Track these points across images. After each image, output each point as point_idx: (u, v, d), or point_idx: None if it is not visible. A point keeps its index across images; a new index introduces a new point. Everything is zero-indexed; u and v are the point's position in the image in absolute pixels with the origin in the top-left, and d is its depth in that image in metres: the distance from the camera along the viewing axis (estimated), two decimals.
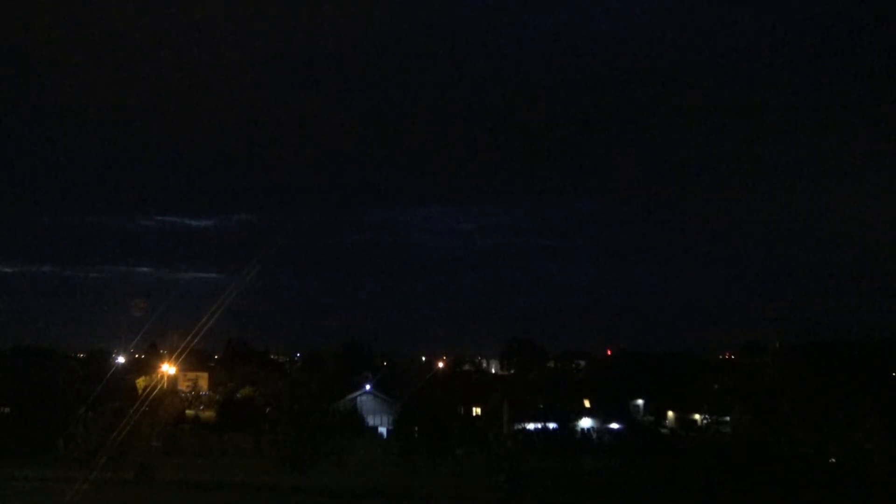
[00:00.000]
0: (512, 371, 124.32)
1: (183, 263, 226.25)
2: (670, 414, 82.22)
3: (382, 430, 70.01)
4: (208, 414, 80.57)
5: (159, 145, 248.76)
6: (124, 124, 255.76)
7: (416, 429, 66.49)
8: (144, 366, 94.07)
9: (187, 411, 79.38)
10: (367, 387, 76.79)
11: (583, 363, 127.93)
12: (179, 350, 60.20)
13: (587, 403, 74.46)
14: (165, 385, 74.72)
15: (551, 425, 71.10)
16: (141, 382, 73.59)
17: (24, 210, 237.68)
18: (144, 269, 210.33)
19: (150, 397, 52.54)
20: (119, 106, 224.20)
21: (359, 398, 71.95)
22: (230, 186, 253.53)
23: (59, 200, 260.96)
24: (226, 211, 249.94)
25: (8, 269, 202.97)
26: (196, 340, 39.53)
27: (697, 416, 78.81)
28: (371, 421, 69.65)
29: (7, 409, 60.27)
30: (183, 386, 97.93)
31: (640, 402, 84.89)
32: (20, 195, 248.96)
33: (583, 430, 71.96)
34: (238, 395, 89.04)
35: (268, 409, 60.83)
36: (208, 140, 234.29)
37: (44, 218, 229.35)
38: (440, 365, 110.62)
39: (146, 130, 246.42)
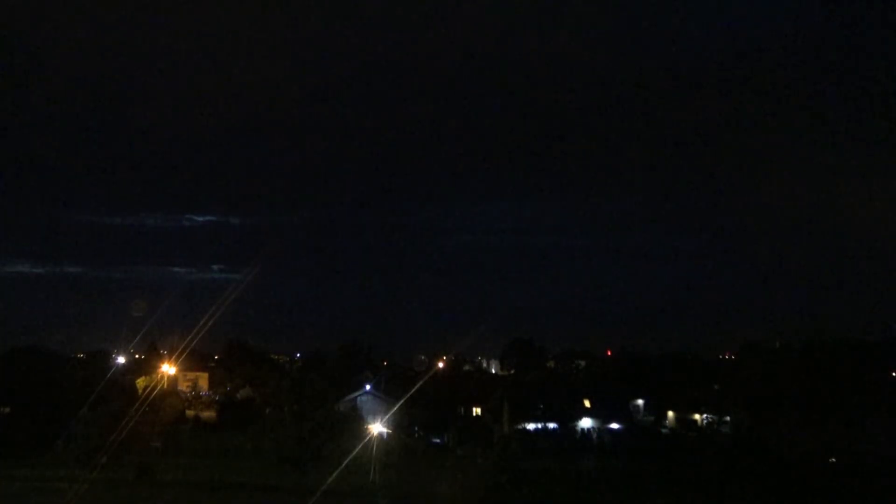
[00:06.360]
0: (512, 371, 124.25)
1: (216, 263, 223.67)
2: (670, 414, 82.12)
3: (383, 430, 69.85)
4: (208, 414, 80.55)
5: (178, 146, 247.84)
6: (147, 125, 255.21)
7: (417, 429, 66.58)
8: (145, 366, 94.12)
9: (187, 411, 79.35)
10: (368, 387, 76.66)
11: (583, 363, 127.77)
12: (180, 349, 60.27)
13: (587, 403, 74.34)
14: (166, 385, 74.74)
15: (551, 425, 71.05)
16: (141, 382, 73.61)
17: (51, 211, 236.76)
18: (177, 269, 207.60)
19: (151, 397, 52.60)
20: (141, 107, 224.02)
21: (359, 398, 71.78)
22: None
23: (89, 201, 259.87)
24: (257, 210, 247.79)
25: (39, 270, 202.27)
26: (202, 340, 39.69)
27: (697, 416, 78.73)
28: (371, 421, 69.47)
29: (7, 409, 60.26)
30: (183, 386, 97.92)
31: (640, 402, 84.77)
32: (44, 196, 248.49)
33: (583, 430, 71.91)
34: (238, 395, 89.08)
35: (268, 410, 60.84)
36: (224, 140, 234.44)
37: (71, 218, 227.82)
38: (440, 365, 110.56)
39: (163, 131, 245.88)
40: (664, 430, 76.95)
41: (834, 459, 54.75)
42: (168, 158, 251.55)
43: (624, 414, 75.87)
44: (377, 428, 52.65)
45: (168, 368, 76.07)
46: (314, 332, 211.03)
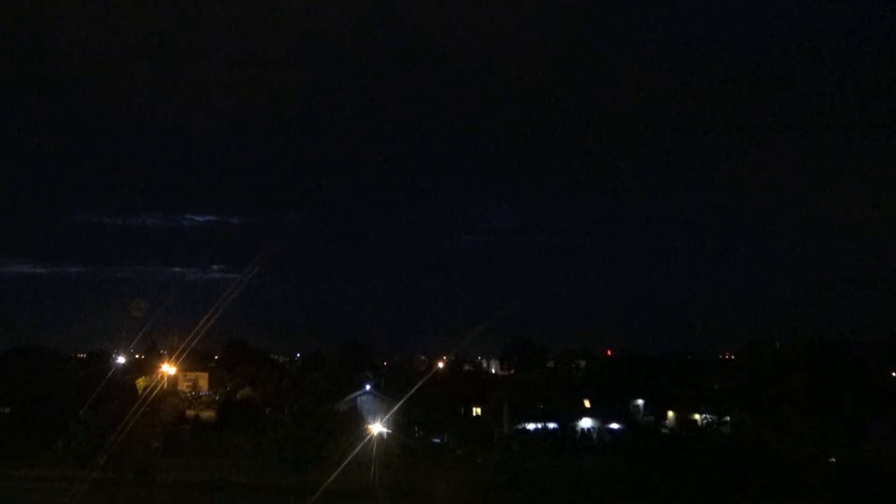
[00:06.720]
0: (512, 371, 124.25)
1: (216, 263, 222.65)
2: (670, 414, 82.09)
3: (383, 430, 69.82)
4: (208, 414, 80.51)
5: (178, 146, 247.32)
6: (147, 125, 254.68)
7: (417, 429, 66.58)
8: (145, 366, 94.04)
9: (187, 411, 79.32)
10: (368, 387, 76.65)
11: (583, 363, 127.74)
12: (180, 349, 60.27)
13: (587, 403, 74.37)
14: (166, 385, 74.73)
15: (551, 425, 71.05)
16: (141, 383, 73.56)
17: (51, 211, 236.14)
18: (176, 269, 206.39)
19: (151, 397, 52.59)
20: (142, 106, 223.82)
21: (359, 398, 71.80)
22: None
23: (89, 201, 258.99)
24: (262, 210, 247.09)
25: (40, 270, 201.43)
26: (202, 340, 39.69)
27: (697, 416, 78.74)
28: (371, 421, 69.48)
29: (7, 410, 60.24)
30: (183, 386, 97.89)
31: (640, 402, 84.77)
32: (44, 196, 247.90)
33: (583, 430, 71.94)
34: (238, 395, 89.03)
35: (268, 410, 60.90)
36: (224, 140, 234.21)
37: (71, 218, 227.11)
38: (440, 365, 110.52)
39: (163, 130, 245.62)
40: (664, 430, 76.91)
41: (834, 459, 54.74)
42: (168, 158, 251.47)
43: (624, 414, 75.91)
44: (377, 428, 52.62)
45: (168, 368, 75.99)
46: (314, 332, 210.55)
